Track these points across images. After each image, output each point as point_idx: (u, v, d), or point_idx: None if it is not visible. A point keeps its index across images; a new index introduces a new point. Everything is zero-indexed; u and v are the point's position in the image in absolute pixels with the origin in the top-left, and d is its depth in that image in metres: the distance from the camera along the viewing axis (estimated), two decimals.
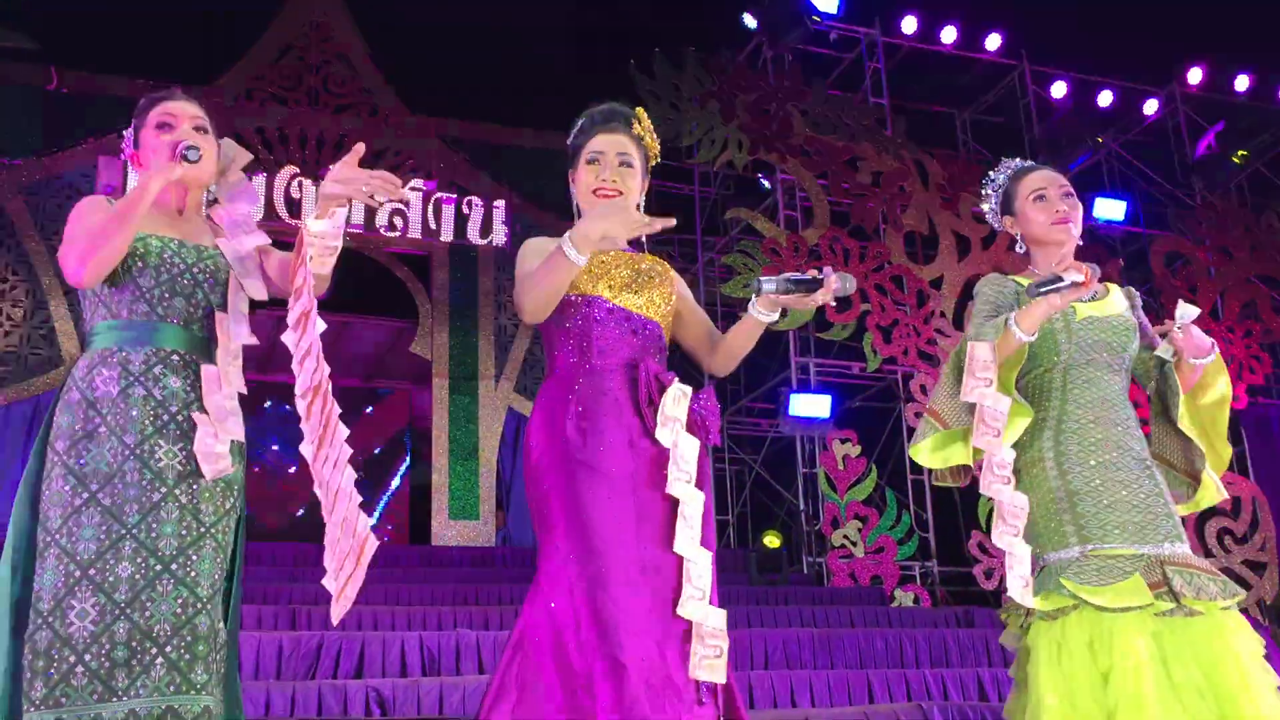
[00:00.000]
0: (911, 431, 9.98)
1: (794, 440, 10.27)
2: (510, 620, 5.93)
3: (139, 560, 2.21)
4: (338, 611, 2.22)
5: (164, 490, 2.28)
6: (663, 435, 2.46)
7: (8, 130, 9.69)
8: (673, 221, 2.48)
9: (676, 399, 2.50)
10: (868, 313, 9.66)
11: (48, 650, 2.14)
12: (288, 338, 2.34)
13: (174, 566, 2.24)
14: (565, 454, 2.44)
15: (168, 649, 2.20)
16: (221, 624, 2.31)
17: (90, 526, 2.21)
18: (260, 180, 9.92)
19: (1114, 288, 2.94)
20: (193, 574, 2.26)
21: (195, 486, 2.32)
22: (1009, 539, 2.58)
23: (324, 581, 2.25)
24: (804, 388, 9.96)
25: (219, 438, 2.35)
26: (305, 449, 2.30)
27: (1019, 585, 2.55)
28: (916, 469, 10.29)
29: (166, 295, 2.40)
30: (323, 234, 2.34)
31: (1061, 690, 2.54)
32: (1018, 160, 3.04)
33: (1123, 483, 2.64)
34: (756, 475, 11.81)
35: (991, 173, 3.04)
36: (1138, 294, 2.99)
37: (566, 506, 2.40)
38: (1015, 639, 2.76)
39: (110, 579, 2.18)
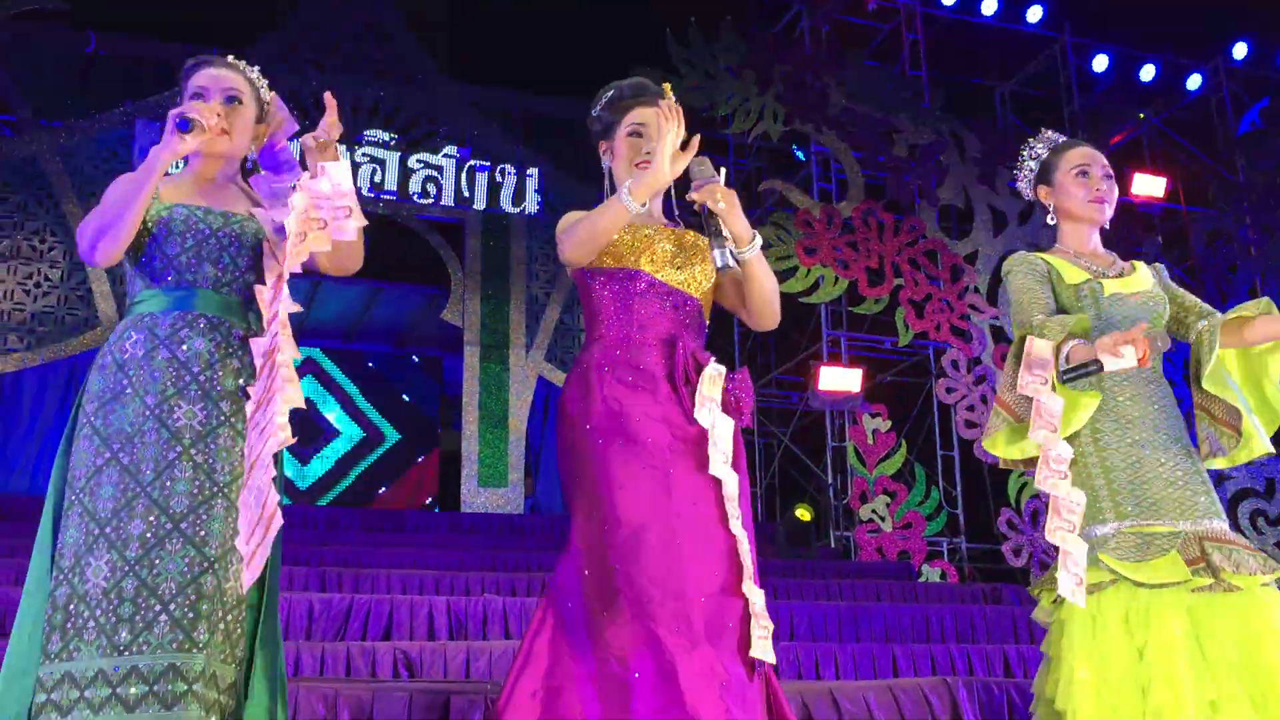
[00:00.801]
0: (943, 407, 9.94)
1: (823, 414, 10.24)
2: (537, 587, 5.97)
3: (150, 518, 2.24)
4: (248, 578, 2.26)
5: (179, 449, 2.30)
6: (701, 415, 2.46)
7: (46, 93, 9.76)
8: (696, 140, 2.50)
9: (713, 379, 2.49)
10: (900, 287, 9.59)
11: (66, 605, 2.19)
12: (261, 292, 2.38)
13: (184, 525, 2.26)
14: (601, 423, 2.44)
15: (171, 607, 2.21)
16: (232, 583, 2.31)
17: (109, 485, 2.25)
18: (295, 146, 9.92)
19: (1139, 264, 2.93)
20: (202, 533, 2.28)
21: (212, 446, 2.34)
22: (1063, 534, 2.55)
23: (236, 542, 2.29)
24: (835, 361, 9.92)
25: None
26: (247, 407, 2.33)
27: (1071, 584, 2.51)
28: (946, 445, 10.26)
29: (194, 261, 2.43)
30: (319, 192, 2.36)
31: (1095, 664, 2.54)
32: (1059, 135, 3.03)
33: (1160, 461, 2.64)
34: (785, 448, 11.80)
35: (1031, 140, 3.04)
36: (1163, 267, 2.99)
37: (600, 475, 2.40)
38: (1048, 614, 2.76)
39: (123, 535, 2.22)
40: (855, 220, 9.67)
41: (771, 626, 2.38)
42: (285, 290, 2.37)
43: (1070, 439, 2.69)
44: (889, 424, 9.58)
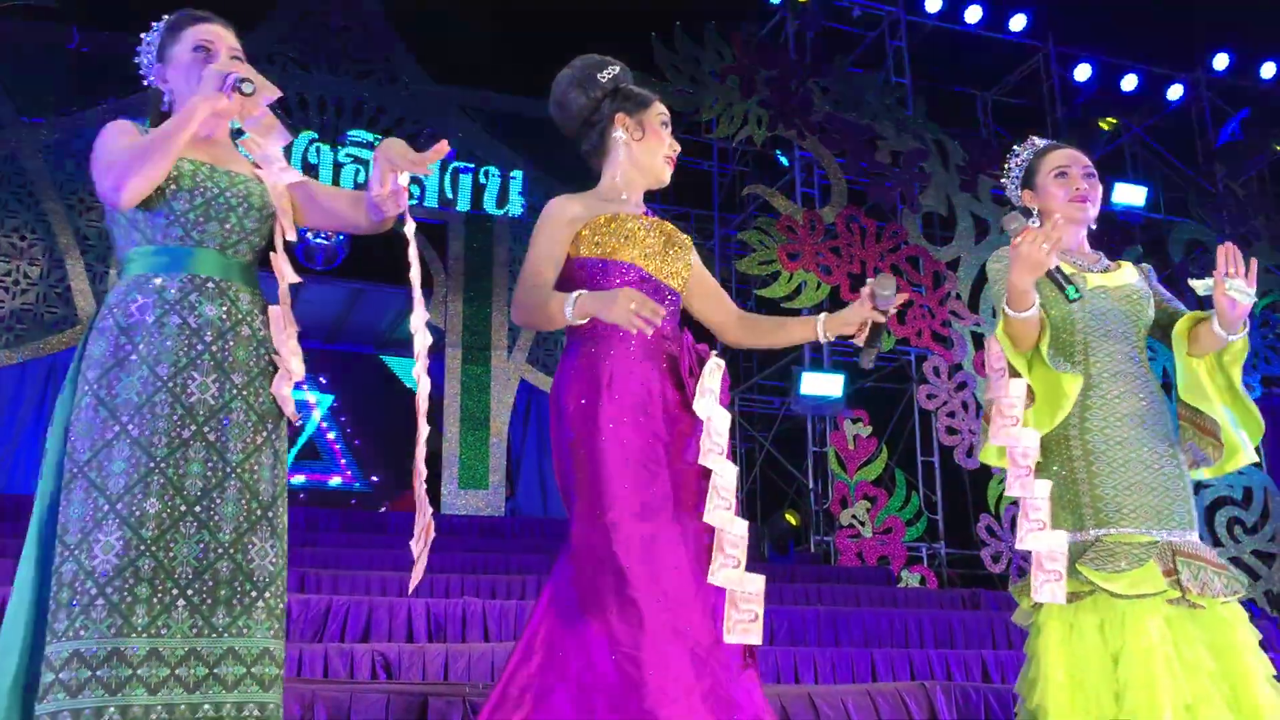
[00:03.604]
0: (924, 414, 9.97)
1: (805, 419, 10.26)
2: (517, 589, 5.96)
3: (166, 498, 2.18)
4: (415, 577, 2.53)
5: (193, 428, 2.24)
6: (699, 406, 2.45)
7: (28, 89, 9.70)
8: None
9: (713, 371, 2.48)
10: None
11: (72, 582, 2.12)
12: (419, 339, 2.59)
13: (198, 509, 2.21)
14: (601, 422, 2.41)
15: (189, 591, 2.18)
16: (257, 562, 2.28)
17: (120, 460, 2.17)
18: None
19: (1126, 264, 2.97)
20: (215, 518, 2.23)
21: (225, 422, 2.28)
22: (1035, 535, 2.57)
23: (411, 544, 2.53)
24: (816, 367, 9.95)
25: (290, 379, 2.36)
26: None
27: (1048, 581, 2.54)
28: (927, 451, 10.29)
29: (201, 220, 2.35)
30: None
31: (1069, 668, 2.58)
32: (1043, 140, 3.06)
33: (1144, 463, 2.66)
34: (766, 453, 11.81)
35: (1016, 147, 3.06)
36: (1150, 269, 3.03)
37: (600, 473, 2.38)
38: (1026, 616, 2.79)
39: (138, 514, 2.15)
40: (838, 226, 9.69)
41: (760, 610, 2.36)
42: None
43: (1057, 438, 2.71)
44: (870, 429, 9.60)
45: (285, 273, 2.45)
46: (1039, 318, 2.67)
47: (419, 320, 2.58)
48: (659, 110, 2.69)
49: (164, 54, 2.50)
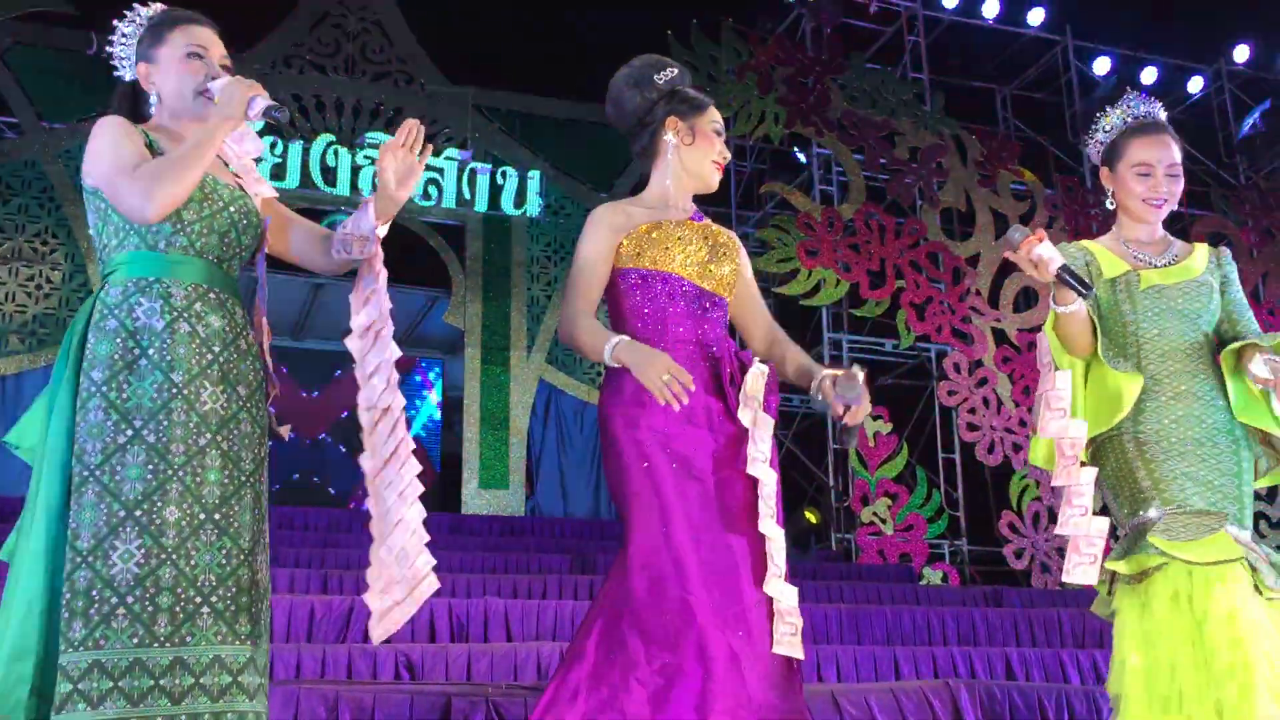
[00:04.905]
0: (944, 410, 9.93)
1: (825, 416, 10.23)
2: (538, 589, 5.97)
3: (185, 505, 2.17)
4: (379, 633, 2.27)
5: (209, 436, 2.23)
6: (743, 415, 2.46)
7: (47, 94, 9.76)
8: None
9: (756, 378, 2.49)
10: (902, 289, 9.59)
11: (88, 590, 2.08)
12: (353, 344, 2.37)
13: (217, 516, 2.21)
14: (647, 436, 2.42)
15: (213, 599, 2.17)
16: (262, 574, 2.29)
17: (136, 465, 2.15)
18: (297, 147, 9.95)
19: (1200, 247, 2.83)
20: (235, 525, 2.24)
21: (236, 433, 2.29)
22: (1076, 521, 2.52)
23: (365, 597, 2.28)
24: (836, 364, 9.91)
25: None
26: (365, 461, 2.33)
27: (1084, 564, 2.50)
28: (948, 447, 10.25)
29: (205, 231, 2.33)
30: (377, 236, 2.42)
31: (1143, 648, 2.49)
32: (1141, 103, 2.90)
33: (1201, 458, 2.58)
34: (787, 450, 11.79)
35: (1108, 107, 2.92)
36: (1227, 252, 2.87)
37: (650, 484, 2.40)
38: (1106, 605, 2.69)
39: (158, 522, 2.14)
40: (856, 223, 9.67)
41: (800, 623, 2.40)
42: (389, 330, 2.40)
43: (1110, 439, 2.65)
44: (890, 426, 9.57)
45: (263, 281, 2.45)
46: (1087, 315, 2.60)
47: (357, 324, 2.52)
48: (713, 117, 2.68)
49: (148, 53, 2.44)
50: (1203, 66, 11.80)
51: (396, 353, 2.40)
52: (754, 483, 2.45)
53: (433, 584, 2.28)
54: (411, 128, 2.39)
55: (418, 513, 2.28)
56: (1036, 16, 11.38)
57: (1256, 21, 11.30)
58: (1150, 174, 2.76)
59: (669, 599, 2.31)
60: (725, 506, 2.42)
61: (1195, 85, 11.78)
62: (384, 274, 2.52)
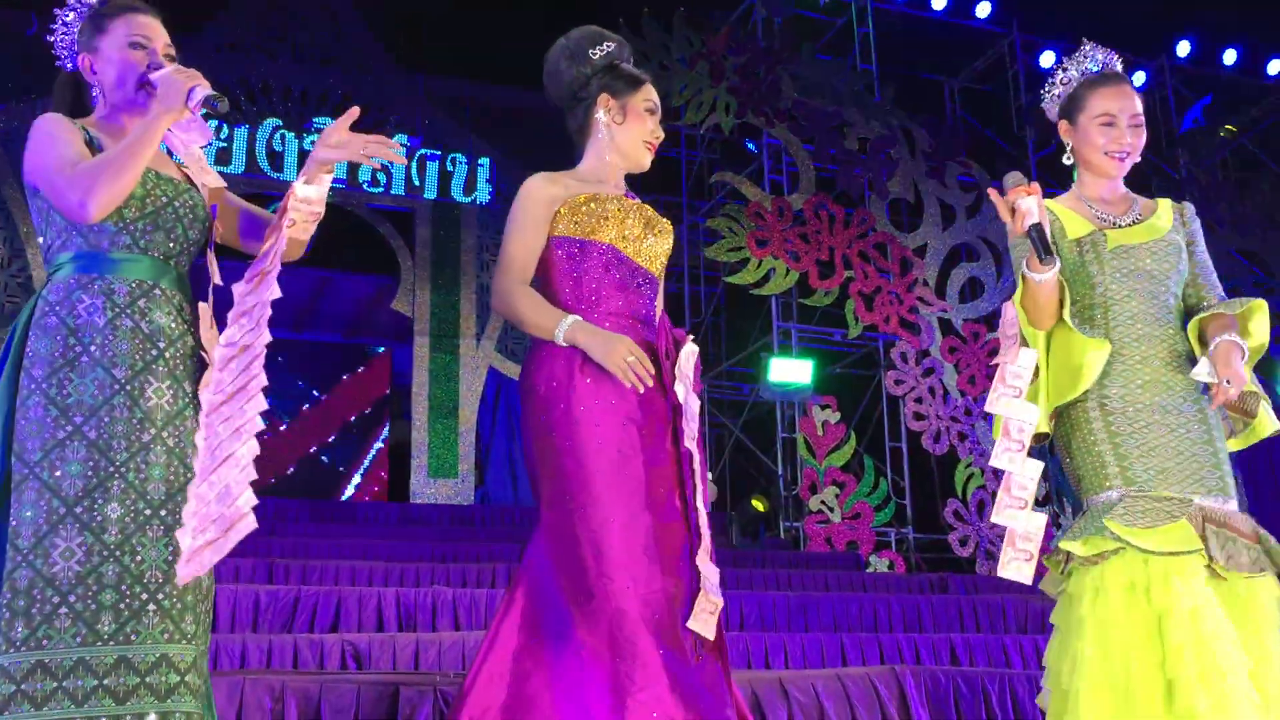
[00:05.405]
0: (891, 400, 10.03)
1: (774, 405, 10.30)
2: (487, 578, 5.96)
3: (128, 502, 2.13)
4: (185, 574, 2.15)
5: (153, 432, 2.19)
6: (679, 390, 2.45)
7: None
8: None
9: (689, 357, 2.48)
10: (850, 279, 9.67)
11: (29, 589, 2.05)
12: (238, 288, 2.30)
13: (163, 513, 2.17)
14: (574, 404, 2.40)
15: (159, 596, 2.13)
16: (207, 573, 2.24)
17: (76, 461, 2.11)
18: (243, 132, 9.83)
19: (1164, 203, 2.76)
20: (180, 522, 2.18)
21: (182, 429, 2.24)
22: (1013, 513, 2.43)
23: (177, 533, 2.17)
24: (785, 353, 9.98)
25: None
26: (204, 395, 2.23)
27: (1011, 560, 2.43)
28: (895, 436, 10.36)
29: (149, 229, 2.28)
30: (309, 199, 2.30)
31: (1098, 638, 2.39)
32: (1098, 52, 2.76)
33: (1169, 426, 2.49)
34: (735, 439, 11.85)
35: (1067, 61, 2.77)
36: (1190, 208, 2.80)
37: (575, 458, 2.37)
38: (1056, 584, 2.59)
39: (99, 519, 2.10)
40: (806, 213, 9.73)
41: (720, 603, 2.37)
42: (274, 278, 2.28)
43: (1077, 410, 2.56)
44: (838, 416, 9.65)
45: (214, 273, 2.39)
46: (1059, 283, 2.49)
47: (250, 271, 2.36)
48: (647, 95, 2.63)
49: (89, 43, 2.39)
50: (1145, 60, 11.98)
51: (276, 293, 2.27)
52: (683, 459, 2.44)
53: (250, 523, 2.16)
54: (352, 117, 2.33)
55: (250, 450, 2.18)
56: (984, 10, 11.49)
57: (1199, 17, 11.49)
58: (1113, 124, 2.66)
59: (589, 578, 2.29)
60: (653, 483, 2.40)
61: (1138, 80, 11.95)
62: (293, 227, 2.37)
